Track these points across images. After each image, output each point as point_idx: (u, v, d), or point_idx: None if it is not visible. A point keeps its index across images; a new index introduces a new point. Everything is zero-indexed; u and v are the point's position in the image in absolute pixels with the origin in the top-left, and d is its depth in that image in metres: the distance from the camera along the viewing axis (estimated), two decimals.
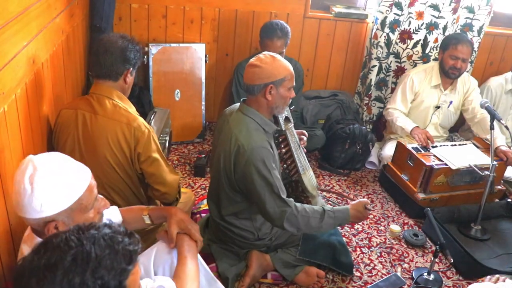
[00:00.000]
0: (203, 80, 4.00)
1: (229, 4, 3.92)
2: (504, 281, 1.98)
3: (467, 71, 4.08)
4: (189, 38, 3.95)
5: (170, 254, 1.92)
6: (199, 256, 1.98)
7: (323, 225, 2.43)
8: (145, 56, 3.72)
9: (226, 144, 2.37)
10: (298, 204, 2.40)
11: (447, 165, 3.39)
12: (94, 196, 1.57)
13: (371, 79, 4.19)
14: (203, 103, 4.06)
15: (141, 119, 2.32)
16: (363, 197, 3.63)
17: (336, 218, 2.46)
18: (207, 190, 2.87)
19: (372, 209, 2.58)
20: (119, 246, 1.19)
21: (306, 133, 2.92)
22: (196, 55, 3.93)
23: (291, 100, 2.48)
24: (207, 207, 2.87)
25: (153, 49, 3.77)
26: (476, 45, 4.28)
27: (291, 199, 2.39)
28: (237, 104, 2.50)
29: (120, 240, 1.20)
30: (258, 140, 2.33)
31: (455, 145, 3.72)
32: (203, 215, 3.03)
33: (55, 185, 1.46)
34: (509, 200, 3.66)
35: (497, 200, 3.68)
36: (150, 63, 3.78)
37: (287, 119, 2.67)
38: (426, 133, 3.70)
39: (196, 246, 1.95)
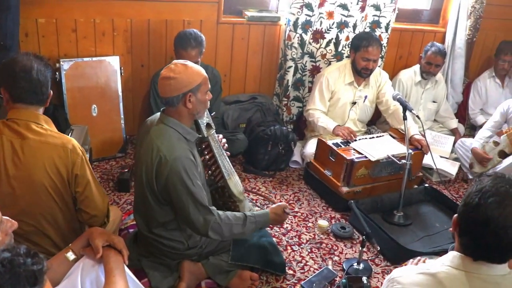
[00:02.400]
0: (120, 93, 3.92)
1: (140, 14, 3.86)
2: (424, 261, 2.07)
3: (379, 66, 4.24)
4: (102, 51, 3.85)
5: (96, 267, 1.88)
6: (130, 272, 1.95)
7: (246, 230, 2.51)
8: (57, 73, 3.60)
9: (148, 156, 2.34)
10: (220, 212, 2.43)
11: (367, 157, 3.50)
12: None
13: (288, 80, 4.25)
14: (122, 116, 3.97)
15: (74, 141, 2.23)
16: (290, 196, 3.69)
17: (257, 223, 2.55)
18: (133, 205, 2.82)
19: (290, 212, 2.67)
20: (21, 268, 1.13)
21: (221, 135, 2.92)
22: (110, 68, 3.84)
23: (209, 104, 2.49)
24: (134, 222, 2.81)
25: (65, 65, 3.65)
26: (385, 41, 4.46)
27: (214, 208, 2.42)
28: (158, 114, 2.47)
29: (22, 262, 1.14)
30: (180, 150, 2.32)
31: (373, 137, 3.85)
32: (131, 230, 2.97)
33: None
34: (427, 185, 3.84)
35: (416, 186, 3.84)
36: (63, 80, 3.65)
37: (208, 126, 2.66)
38: (348, 128, 3.82)
39: (122, 260, 1.92)
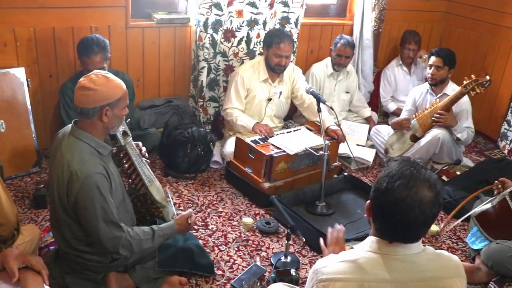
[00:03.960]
0: (29, 106, 3.75)
1: (44, 22, 3.71)
2: (351, 247, 2.12)
3: (291, 61, 4.30)
4: (4, 63, 3.66)
5: None
6: None
7: (155, 244, 2.52)
8: None
9: (59, 171, 2.26)
10: (129, 229, 2.39)
11: (285, 151, 3.55)
12: None
13: (202, 81, 4.23)
14: (33, 130, 3.79)
15: None
16: (212, 197, 3.68)
17: (164, 235, 2.56)
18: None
19: (192, 222, 2.68)
20: None
21: (140, 143, 2.87)
22: (16, 81, 3.66)
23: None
24: (54, 239, 2.71)
25: None
26: (295, 36, 4.54)
27: (123, 225, 2.37)
28: (70, 126, 2.39)
29: None
30: (92, 165, 2.25)
31: (290, 131, 3.91)
32: (51, 247, 2.85)
33: None
34: (346, 174, 3.95)
35: (335, 176, 3.94)
36: None
37: (125, 134, 2.61)
38: (267, 126, 3.87)
39: (41, 281, 1.84)
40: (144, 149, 2.83)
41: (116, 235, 2.31)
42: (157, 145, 3.98)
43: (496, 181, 3.13)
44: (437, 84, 4.19)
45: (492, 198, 3.07)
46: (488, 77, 3.86)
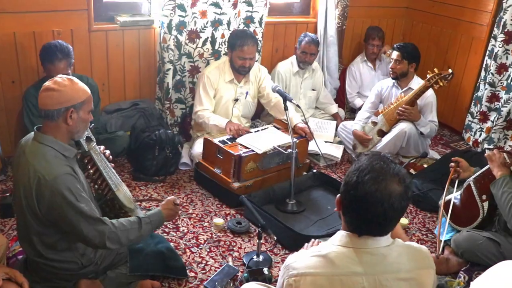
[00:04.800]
0: None
1: (4, 27, 3.62)
2: (318, 243, 2.14)
3: (256, 61, 4.31)
4: None
5: None
6: None
7: (143, 233, 2.47)
8: None
9: (25, 178, 2.21)
10: (113, 221, 2.37)
11: (253, 151, 3.56)
12: None
13: (168, 83, 4.21)
14: None
15: None
16: (182, 199, 3.66)
17: (152, 223, 2.53)
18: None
19: (180, 203, 2.70)
20: None
21: (103, 147, 2.84)
22: None
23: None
24: (22, 249, 2.66)
25: None
26: (260, 35, 4.54)
27: (106, 218, 2.35)
28: (32, 133, 2.35)
29: None
30: (59, 167, 2.22)
31: (258, 130, 3.91)
32: (20, 257, 2.80)
33: None
34: (315, 171, 3.98)
35: (305, 173, 3.96)
36: None
37: (88, 139, 2.57)
38: (239, 125, 3.86)
39: None
40: (108, 152, 2.80)
41: (100, 230, 2.28)
42: (126, 147, 3.94)
43: (450, 163, 3.19)
44: (398, 78, 4.26)
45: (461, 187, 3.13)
46: (450, 70, 3.94)
